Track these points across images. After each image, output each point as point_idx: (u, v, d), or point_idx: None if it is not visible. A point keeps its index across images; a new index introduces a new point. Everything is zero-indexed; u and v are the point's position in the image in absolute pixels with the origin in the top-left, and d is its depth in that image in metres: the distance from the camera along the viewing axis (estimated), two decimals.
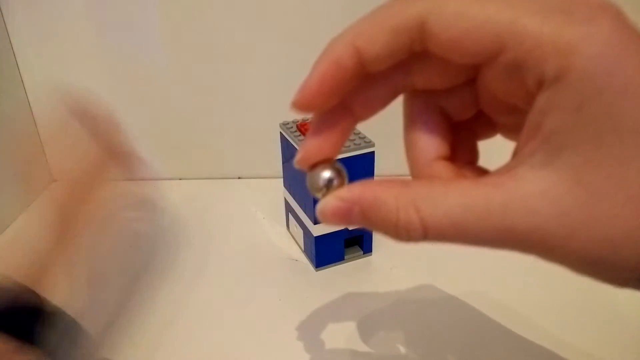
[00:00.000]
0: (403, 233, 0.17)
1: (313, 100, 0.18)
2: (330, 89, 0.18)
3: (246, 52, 0.48)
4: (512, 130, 0.20)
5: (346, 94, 0.19)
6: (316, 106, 0.18)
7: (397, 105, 0.21)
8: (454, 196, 0.16)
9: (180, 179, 0.55)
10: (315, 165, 0.19)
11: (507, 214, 0.15)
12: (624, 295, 0.36)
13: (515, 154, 0.17)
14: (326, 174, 0.19)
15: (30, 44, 0.49)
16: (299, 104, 0.18)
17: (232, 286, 0.39)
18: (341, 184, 0.19)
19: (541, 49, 0.15)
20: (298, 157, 0.20)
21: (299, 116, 0.40)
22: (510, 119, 0.19)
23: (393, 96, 0.20)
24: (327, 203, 0.18)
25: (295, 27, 0.47)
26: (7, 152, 0.48)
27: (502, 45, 0.15)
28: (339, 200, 0.18)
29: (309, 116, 0.40)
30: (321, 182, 0.19)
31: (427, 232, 0.17)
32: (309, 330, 0.34)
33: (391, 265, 0.40)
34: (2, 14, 0.47)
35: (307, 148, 0.19)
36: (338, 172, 0.19)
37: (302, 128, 0.38)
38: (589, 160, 0.15)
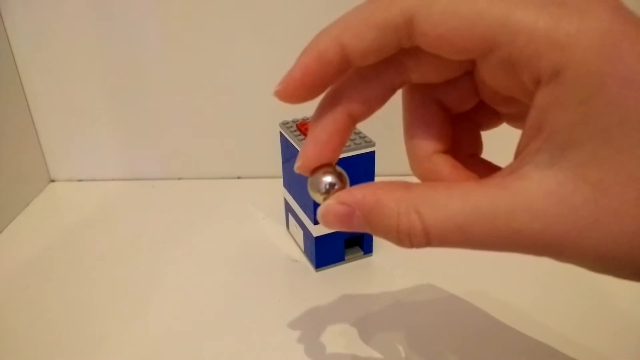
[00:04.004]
0: (405, 239, 0.16)
1: (295, 91, 0.18)
2: (313, 82, 0.18)
3: (245, 51, 0.48)
4: (517, 119, 0.19)
5: (343, 95, 0.19)
6: (298, 98, 0.18)
7: (397, 105, 0.21)
8: (458, 199, 0.15)
9: (179, 179, 0.55)
10: (316, 170, 0.19)
11: (514, 216, 0.15)
12: (627, 292, 0.36)
13: (518, 153, 0.16)
14: (327, 178, 0.19)
15: (28, 44, 0.48)
16: (281, 95, 0.18)
17: (232, 287, 0.38)
18: (342, 188, 0.19)
19: (534, 44, 0.14)
20: (298, 163, 0.19)
21: (299, 115, 0.39)
22: (514, 109, 0.18)
23: (390, 93, 0.19)
24: (328, 207, 0.18)
25: (295, 26, 0.46)
26: (5, 152, 0.47)
27: (494, 42, 0.15)
28: (340, 204, 0.18)
29: (309, 115, 0.40)
30: (322, 187, 0.19)
31: (430, 238, 0.16)
32: (309, 331, 0.34)
33: (392, 266, 0.40)
34: (0, 13, 0.47)
35: (307, 154, 0.19)
36: (339, 176, 0.19)
37: (302, 127, 0.38)
38: (595, 157, 0.14)
